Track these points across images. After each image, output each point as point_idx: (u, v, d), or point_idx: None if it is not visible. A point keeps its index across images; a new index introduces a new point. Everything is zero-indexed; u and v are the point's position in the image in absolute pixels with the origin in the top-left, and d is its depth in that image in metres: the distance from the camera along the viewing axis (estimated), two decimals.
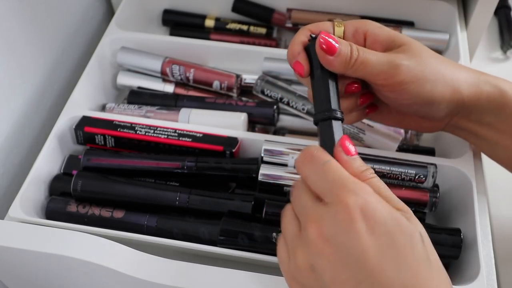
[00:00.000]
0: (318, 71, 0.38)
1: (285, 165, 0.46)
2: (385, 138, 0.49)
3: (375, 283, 0.28)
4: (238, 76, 0.55)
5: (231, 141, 0.48)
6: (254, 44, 0.62)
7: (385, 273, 0.28)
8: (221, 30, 0.65)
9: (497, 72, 0.45)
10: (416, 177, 0.45)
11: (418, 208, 0.44)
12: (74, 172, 0.47)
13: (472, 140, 0.46)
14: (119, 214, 0.44)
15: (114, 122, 0.49)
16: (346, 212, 0.29)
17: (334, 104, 0.36)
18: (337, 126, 0.35)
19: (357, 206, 0.29)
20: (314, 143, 0.48)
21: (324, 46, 0.37)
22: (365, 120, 0.49)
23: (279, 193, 0.45)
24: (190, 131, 0.48)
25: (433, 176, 0.45)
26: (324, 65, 0.38)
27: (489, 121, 0.42)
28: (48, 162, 0.48)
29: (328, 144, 0.34)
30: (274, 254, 0.40)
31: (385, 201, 0.30)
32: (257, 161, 0.46)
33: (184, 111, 0.52)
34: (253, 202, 0.44)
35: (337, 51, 0.37)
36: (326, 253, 0.29)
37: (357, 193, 0.30)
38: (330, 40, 0.37)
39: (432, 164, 0.46)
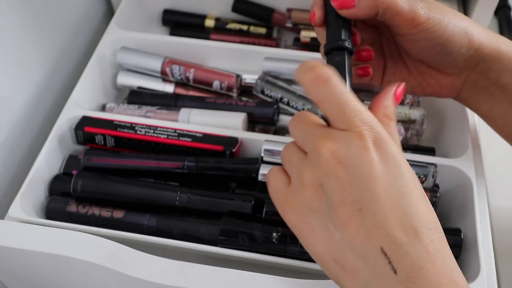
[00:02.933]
0: (333, 16, 0.38)
1: None
2: None
3: (379, 208, 0.29)
4: (238, 76, 0.55)
5: (231, 141, 0.48)
6: (254, 44, 0.62)
7: (389, 200, 0.30)
8: (221, 30, 0.65)
9: None
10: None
11: None
12: (74, 172, 0.47)
13: (485, 109, 0.44)
14: (119, 214, 0.44)
15: (114, 122, 0.49)
16: (361, 139, 0.30)
17: (345, 36, 0.37)
18: (349, 58, 0.36)
19: (371, 136, 0.30)
20: None
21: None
22: None
23: None
24: (190, 131, 0.48)
25: (433, 176, 0.45)
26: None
27: (507, 82, 0.41)
28: (48, 162, 0.48)
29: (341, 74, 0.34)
30: (274, 254, 0.40)
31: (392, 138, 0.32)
32: (258, 161, 0.46)
33: (184, 111, 0.52)
34: (253, 202, 0.44)
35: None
36: (337, 173, 0.30)
37: (373, 125, 0.31)
38: None
39: (432, 164, 0.46)
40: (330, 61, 0.37)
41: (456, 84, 0.44)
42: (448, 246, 0.31)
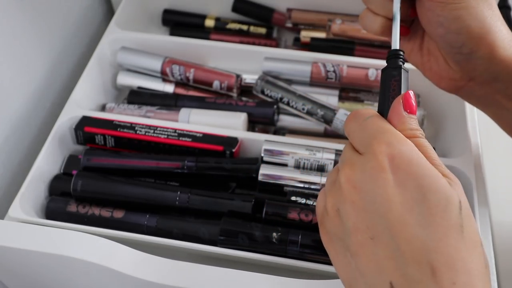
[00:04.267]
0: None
1: (285, 165, 0.46)
2: None
3: (395, 236, 0.26)
4: (238, 76, 0.55)
5: (231, 141, 0.48)
6: (254, 44, 0.62)
7: (406, 227, 0.26)
8: (221, 30, 0.65)
9: None
10: None
11: None
12: (74, 172, 0.47)
13: (489, 112, 0.42)
14: (119, 214, 0.44)
15: (114, 122, 0.49)
16: (375, 160, 0.28)
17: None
18: (405, 76, 0.32)
19: (389, 155, 0.28)
20: (314, 143, 0.48)
21: None
22: None
23: (279, 193, 0.45)
24: (190, 131, 0.48)
25: None
26: None
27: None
28: (48, 162, 0.48)
29: (392, 93, 0.32)
30: (274, 254, 0.40)
31: (427, 160, 0.28)
32: (257, 161, 0.46)
33: (184, 111, 0.52)
34: (253, 202, 0.44)
35: None
36: (352, 198, 0.28)
37: (392, 143, 0.28)
38: None
39: None
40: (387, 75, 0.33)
41: (458, 83, 0.41)
42: None
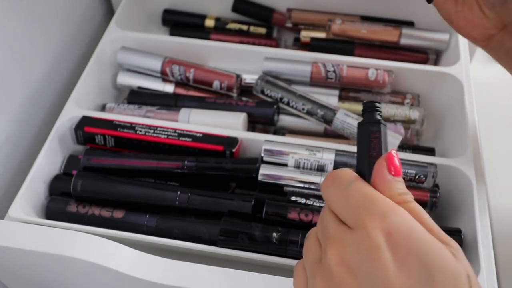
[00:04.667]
0: None
1: (285, 165, 0.47)
2: None
3: None
4: (238, 76, 0.55)
5: (231, 141, 0.48)
6: (254, 44, 0.62)
7: None
8: (221, 30, 0.65)
9: (497, 72, 0.45)
10: (416, 177, 0.45)
11: None
12: (74, 172, 0.47)
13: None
14: (119, 214, 0.44)
15: (114, 122, 0.49)
16: (370, 238, 0.24)
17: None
18: (384, 132, 0.29)
19: (382, 231, 0.24)
20: (314, 143, 0.48)
21: None
22: None
23: (279, 193, 0.45)
24: (190, 131, 0.48)
25: (433, 176, 0.45)
26: None
27: None
28: (48, 162, 0.48)
29: (373, 153, 0.28)
30: (274, 254, 0.40)
31: (425, 229, 0.25)
32: (257, 161, 0.46)
33: (184, 111, 0.52)
34: (253, 202, 0.44)
35: None
36: (347, 282, 0.25)
37: (385, 215, 0.25)
38: None
39: (432, 164, 0.46)
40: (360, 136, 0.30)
41: (490, 31, 0.41)
42: None
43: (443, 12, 0.42)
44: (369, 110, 0.30)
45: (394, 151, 0.27)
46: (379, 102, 0.30)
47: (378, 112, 0.30)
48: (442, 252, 0.24)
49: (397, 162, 0.27)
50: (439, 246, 0.24)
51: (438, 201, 0.44)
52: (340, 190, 0.27)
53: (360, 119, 0.30)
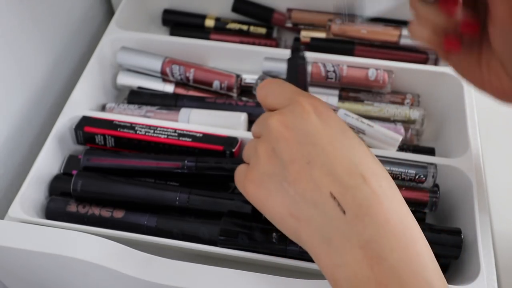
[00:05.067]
0: None
1: None
2: (385, 138, 0.49)
3: (326, 158, 0.32)
4: (238, 76, 0.55)
5: (231, 141, 0.48)
6: (254, 44, 0.62)
7: (335, 150, 0.32)
8: (221, 30, 0.65)
9: None
10: (416, 177, 0.45)
11: (418, 208, 0.44)
12: (74, 172, 0.47)
13: None
14: (119, 214, 0.44)
15: (114, 122, 0.49)
16: (303, 107, 0.34)
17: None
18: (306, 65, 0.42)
19: (312, 105, 0.34)
20: None
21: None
22: (365, 120, 0.49)
23: None
24: (190, 131, 0.48)
25: (433, 176, 0.45)
26: None
27: None
28: (48, 162, 0.48)
29: (298, 76, 0.41)
30: (274, 254, 0.40)
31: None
32: None
33: (184, 111, 0.52)
34: None
35: None
36: (285, 135, 0.33)
37: (312, 96, 0.35)
38: None
39: (432, 164, 0.46)
40: (291, 63, 0.42)
41: None
42: (400, 194, 0.32)
43: (467, 78, 0.40)
44: (297, 50, 0.41)
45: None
46: (303, 45, 0.43)
47: (302, 52, 0.42)
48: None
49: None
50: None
51: (438, 201, 0.44)
52: (278, 83, 0.37)
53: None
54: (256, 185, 0.35)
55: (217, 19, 0.65)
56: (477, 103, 0.53)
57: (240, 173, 0.37)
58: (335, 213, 0.30)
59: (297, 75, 0.41)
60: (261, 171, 0.34)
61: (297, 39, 0.42)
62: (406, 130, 0.53)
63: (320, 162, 0.32)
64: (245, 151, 0.39)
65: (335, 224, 0.30)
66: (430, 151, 0.51)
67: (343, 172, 0.31)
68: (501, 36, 0.35)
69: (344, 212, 0.30)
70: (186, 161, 0.46)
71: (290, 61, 0.41)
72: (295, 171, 0.32)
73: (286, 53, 0.56)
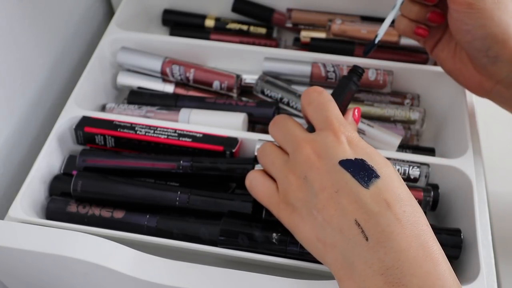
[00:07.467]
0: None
1: None
2: (385, 138, 0.49)
3: (353, 187, 0.33)
4: (238, 76, 0.55)
5: (231, 141, 0.48)
6: (254, 44, 0.62)
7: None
8: (221, 30, 0.65)
9: None
10: (412, 176, 0.45)
11: None
12: (74, 172, 0.47)
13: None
14: (119, 214, 0.44)
15: (114, 122, 0.49)
16: (336, 135, 0.36)
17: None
18: (353, 85, 0.42)
19: (344, 134, 0.36)
20: None
21: None
22: (365, 120, 0.49)
23: None
24: (190, 131, 0.48)
25: (426, 176, 0.45)
26: None
27: None
28: (48, 162, 0.48)
29: (344, 97, 0.41)
30: (274, 254, 0.40)
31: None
32: (253, 161, 0.46)
33: (184, 111, 0.52)
34: (253, 202, 0.44)
35: None
36: (317, 165, 0.35)
37: (345, 126, 0.37)
38: None
39: (424, 164, 0.46)
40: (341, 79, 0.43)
41: (486, 86, 0.45)
42: (424, 218, 0.33)
43: (446, 69, 0.48)
44: (356, 74, 0.42)
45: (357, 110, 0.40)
46: (363, 70, 0.43)
47: (359, 77, 0.42)
48: (377, 151, 0.36)
49: (357, 115, 0.40)
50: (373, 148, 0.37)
51: (431, 200, 0.44)
52: (325, 99, 0.38)
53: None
54: (290, 211, 0.36)
55: (217, 19, 0.65)
56: (477, 103, 0.53)
57: (270, 194, 0.38)
58: (359, 239, 0.32)
59: (343, 96, 0.41)
60: (294, 197, 0.36)
61: (358, 67, 0.43)
62: (406, 130, 0.53)
63: (347, 190, 0.33)
64: (266, 160, 0.39)
65: (358, 250, 0.32)
66: (430, 151, 0.51)
67: (368, 198, 0.33)
68: (451, 21, 0.43)
69: (367, 239, 0.31)
70: (181, 161, 0.46)
71: (344, 79, 0.42)
72: (325, 198, 0.34)
73: (286, 53, 0.56)
